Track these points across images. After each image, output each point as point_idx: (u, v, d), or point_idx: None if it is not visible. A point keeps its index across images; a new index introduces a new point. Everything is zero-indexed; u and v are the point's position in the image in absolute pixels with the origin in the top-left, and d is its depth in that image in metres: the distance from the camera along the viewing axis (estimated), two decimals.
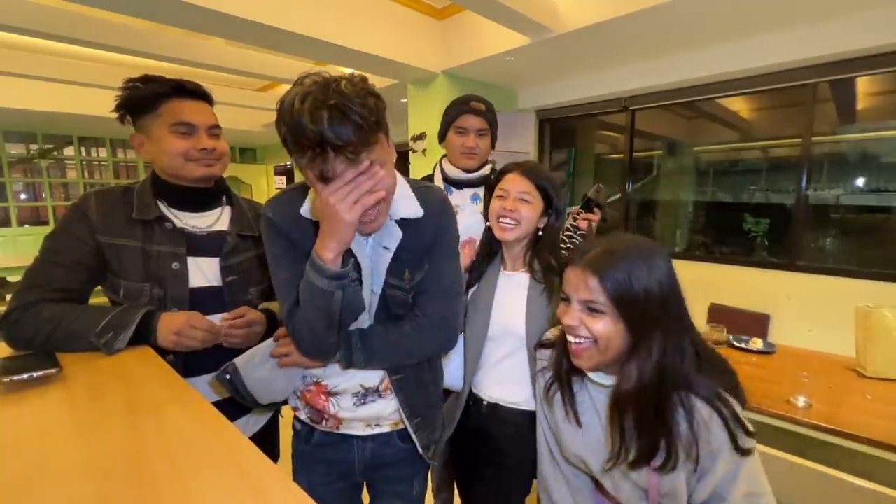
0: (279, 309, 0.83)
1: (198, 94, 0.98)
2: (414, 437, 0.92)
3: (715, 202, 3.72)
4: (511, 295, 1.08)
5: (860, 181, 2.97)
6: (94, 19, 2.79)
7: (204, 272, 0.99)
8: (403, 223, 0.84)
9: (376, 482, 0.99)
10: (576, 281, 0.75)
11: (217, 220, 1.05)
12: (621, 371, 0.74)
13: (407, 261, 0.86)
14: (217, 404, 0.99)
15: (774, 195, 3.32)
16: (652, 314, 0.71)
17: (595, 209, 1.29)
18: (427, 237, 0.87)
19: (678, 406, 0.72)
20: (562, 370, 0.85)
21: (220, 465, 0.53)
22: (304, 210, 0.80)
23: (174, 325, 0.89)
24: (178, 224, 0.98)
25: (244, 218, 1.09)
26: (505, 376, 1.07)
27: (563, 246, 1.29)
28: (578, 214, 1.28)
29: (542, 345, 0.96)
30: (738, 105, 3.46)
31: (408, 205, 0.85)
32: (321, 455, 0.93)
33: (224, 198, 1.09)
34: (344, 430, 0.91)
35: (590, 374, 0.79)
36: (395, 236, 0.85)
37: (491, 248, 1.14)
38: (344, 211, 0.68)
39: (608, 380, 0.78)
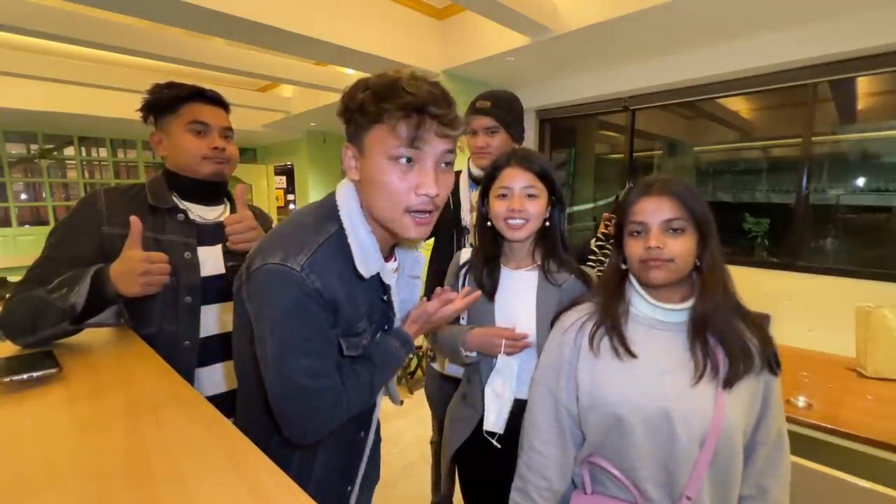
0: (291, 402, 0.68)
1: (215, 100, 1.07)
2: (394, 385, 0.97)
3: (715, 202, 3.72)
4: (518, 297, 1.04)
5: (860, 181, 2.97)
6: (94, 19, 2.78)
7: (209, 262, 1.02)
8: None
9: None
10: (654, 206, 0.80)
11: (221, 214, 1.11)
12: (699, 289, 0.81)
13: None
14: (221, 397, 1.01)
15: (775, 195, 3.32)
16: (712, 229, 0.80)
17: None
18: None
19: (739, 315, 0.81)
20: (611, 312, 0.86)
21: (220, 464, 0.53)
22: (366, 269, 0.70)
23: (130, 267, 0.86)
24: (190, 216, 1.03)
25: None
26: (523, 377, 1.02)
27: (592, 258, 1.26)
28: (611, 220, 1.24)
29: (574, 304, 0.95)
30: (738, 105, 3.46)
31: None
32: None
33: (224, 197, 1.15)
34: None
35: (659, 305, 0.83)
36: (420, 263, 0.86)
37: (494, 250, 1.08)
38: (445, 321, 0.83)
39: (675, 308, 0.83)
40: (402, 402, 1.02)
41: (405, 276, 0.83)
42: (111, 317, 0.90)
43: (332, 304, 0.67)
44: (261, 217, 1.18)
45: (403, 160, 0.64)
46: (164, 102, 1.02)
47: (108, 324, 0.90)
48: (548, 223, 1.03)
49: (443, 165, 0.68)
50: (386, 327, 0.82)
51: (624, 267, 0.88)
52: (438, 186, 0.66)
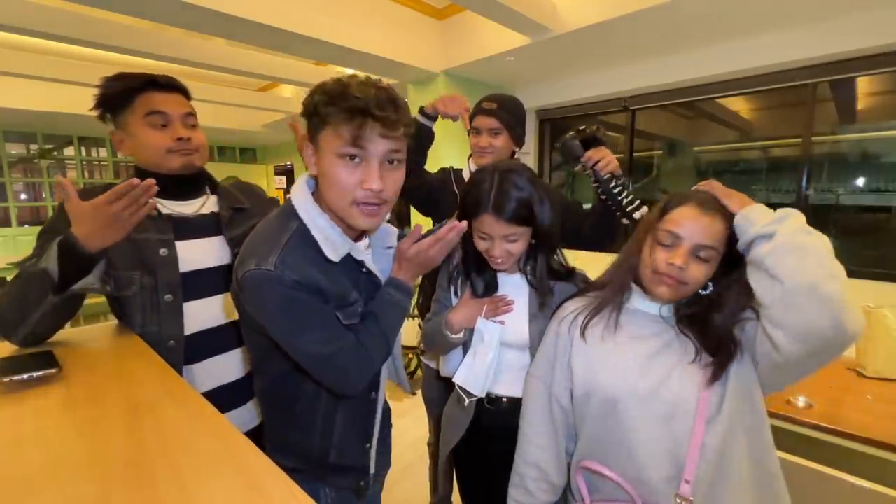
0: (320, 371, 0.78)
1: (171, 86, 0.99)
2: (404, 373, 1.06)
3: None
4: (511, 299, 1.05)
5: (860, 181, 2.97)
6: (94, 19, 2.79)
7: (192, 256, 0.98)
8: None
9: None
10: (696, 225, 0.76)
11: (202, 206, 1.05)
12: (694, 302, 0.81)
13: None
14: (217, 391, 1.00)
15: (774, 195, 3.32)
16: (742, 268, 0.76)
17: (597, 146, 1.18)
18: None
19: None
20: (613, 299, 0.87)
21: (220, 464, 0.53)
22: (334, 253, 0.77)
23: (91, 225, 0.79)
24: (164, 211, 0.98)
25: (231, 195, 1.10)
26: (518, 378, 1.02)
27: (624, 211, 1.19)
28: (594, 165, 1.17)
29: (574, 295, 0.96)
30: (738, 105, 3.46)
31: None
32: None
33: (207, 188, 1.09)
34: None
35: (653, 300, 0.84)
36: (393, 233, 0.94)
37: (478, 255, 1.04)
38: (440, 258, 0.88)
39: (655, 306, 0.85)
40: (414, 393, 1.03)
41: (379, 249, 0.92)
42: (96, 281, 0.84)
43: (314, 288, 0.75)
44: (247, 192, 1.14)
45: (349, 158, 0.72)
46: (116, 96, 0.95)
47: (95, 289, 0.85)
48: (534, 241, 1.01)
49: (389, 163, 0.75)
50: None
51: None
52: (384, 182, 0.74)
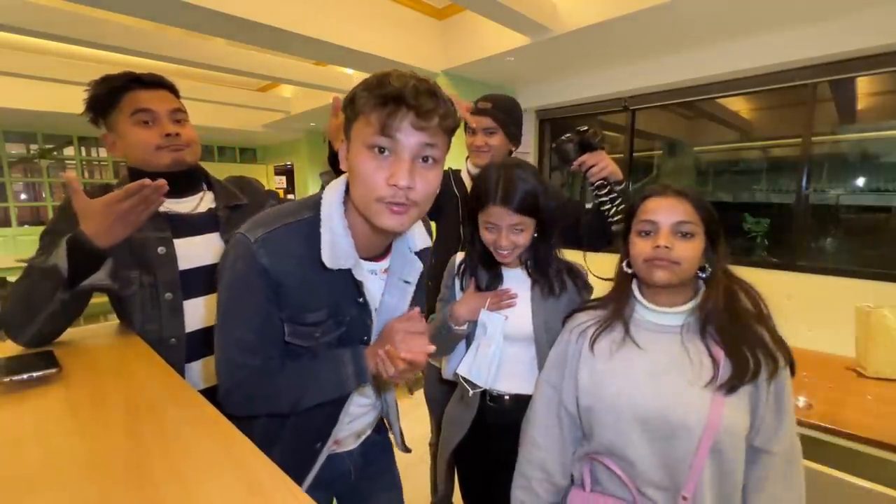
0: (221, 372, 0.73)
1: (156, 83, 0.98)
2: (399, 427, 0.97)
3: (715, 202, 3.68)
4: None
5: (860, 181, 2.97)
6: (94, 19, 2.79)
7: (190, 254, 0.97)
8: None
9: (364, 482, 0.97)
10: (667, 207, 0.81)
11: (199, 203, 1.04)
12: (705, 292, 0.82)
13: (417, 296, 0.86)
14: (212, 391, 0.97)
15: (774, 195, 3.32)
16: (721, 235, 0.82)
17: (594, 147, 1.18)
18: (425, 269, 0.87)
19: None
20: (619, 313, 0.87)
21: (220, 464, 0.53)
22: (332, 260, 0.70)
23: (98, 224, 0.79)
24: (161, 209, 0.95)
25: (228, 192, 1.08)
26: (521, 373, 1.04)
27: (613, 220, 1.23)
28: (581, 167, 1.19)
29: (588, 307, 0.96)
30: (738, 105, 3.46)
31: (421, 233, 0.85)
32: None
33: (203, 184, 1.08)
34: (341, 449, 0.90)
35: (660, 309, 0.84)
36: (416, 268, 0.84)
37: (484, 249, 1.07)
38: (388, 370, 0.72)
39: (675, 311, 0.83)
40: (409, 450, 1.00)
41: (394, 278, 0.83)
42: (105, 277, 0.84)
43: (276, 284, 0.69)
44: (244, 186, 1.13)
45: (378, 150, 0.65)
46: (103, 98, 0.95)
47: (104, 285, 0.84)
48: (536, 234, 1.02)
49: (422, 161, 0.67)
50: (365, 338, 0.81)
51: (627, 270, 0.88)
52: (414, 180, 0.65)
